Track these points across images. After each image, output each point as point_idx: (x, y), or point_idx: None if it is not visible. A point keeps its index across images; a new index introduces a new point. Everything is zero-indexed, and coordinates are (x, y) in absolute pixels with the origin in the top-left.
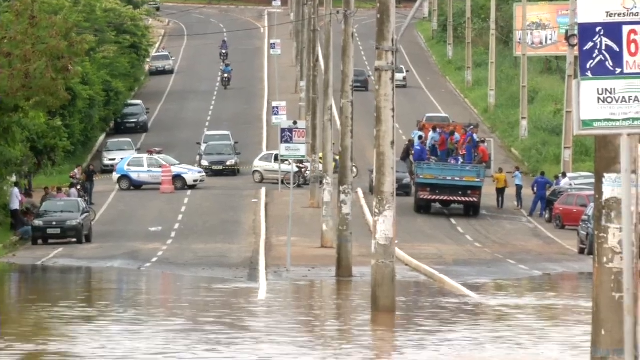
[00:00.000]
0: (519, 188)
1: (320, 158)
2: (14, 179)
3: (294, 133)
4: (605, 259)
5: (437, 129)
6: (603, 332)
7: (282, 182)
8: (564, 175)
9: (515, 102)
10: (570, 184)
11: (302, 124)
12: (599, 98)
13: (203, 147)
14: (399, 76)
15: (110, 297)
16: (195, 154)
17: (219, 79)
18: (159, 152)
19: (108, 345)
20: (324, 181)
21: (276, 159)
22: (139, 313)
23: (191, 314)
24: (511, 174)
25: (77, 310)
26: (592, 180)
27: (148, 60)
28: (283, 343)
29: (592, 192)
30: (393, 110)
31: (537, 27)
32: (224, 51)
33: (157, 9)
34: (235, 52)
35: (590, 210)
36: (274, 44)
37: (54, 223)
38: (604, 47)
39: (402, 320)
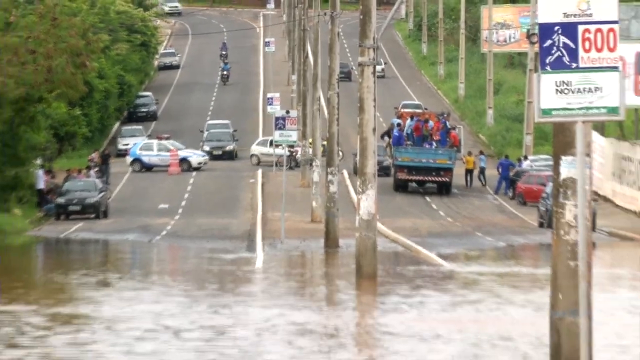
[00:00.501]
0: (482, 169)
1: (310, 143)
2: (38, 162)
3: (286, 121)
4: (562, 232)
5: (414, 117)
6: (560, 296)
7: (276, 165)
8: (526, 157)
9: (482, 93)
10: (531, 166)
11: (293, 113)
12: (556, 89)
13: (205, 134)
14: (377, 67)
15: (124, 266)
16: (199, 140)
17: (219, 75)
18: (167, 138)
19: (124, 307)
20: (313, 163)
21: (271, 144)
22: (150, 279)
23: (195, 280)
24: (477, 157)
25: (96, 277)
26: (551, 163)
27: (157, 56)
28: (276, 306)
29: (551, 173)
30: (374, 100)
31: (502, 27)
32: (223, 52)
33: (179, 14)
34: (234, 50)
35: (548, 189)
36: (269, 42)
37: (75, 201)
38: (561, 45)
39: (383, 285)
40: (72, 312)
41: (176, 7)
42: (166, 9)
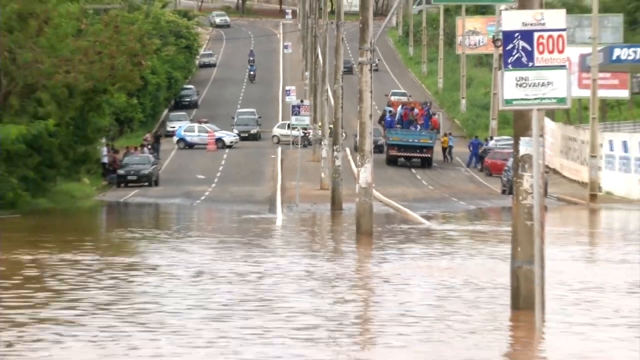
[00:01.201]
0: (450, 147)
1: (319, 126)
2: (103, 141)
3: (301, 108)
4: (521, 197)
5: (403, 106)
6: (519, 249)
7: (293, 143)
8: (491, 138)
9: (457, 87)
10: (496, 145)
11: (306, 102)
12: (516, 83)
13: (235, 119)
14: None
15: (171, 224)
16: (230, 124)
17: (247, 75)
18: (205, 122)
19: (173, 257)
20: (322, 142)
21: (288, 126)
22: (192, 234)
23: (228, 235)
24: (447, 137)
25: (150, 233)
26: (512, 142)
27: (197, 57)
28: (292, 256)
29: (511, 150)
30: (371, 92)
31: (472, 34)
32: (251, 58)
33: (228, 26)
34: (259, 52)
35: (509, 163)
36: (287, 45)
37: (132, 172)
38: (520, 48)
39: (377, 240)
40: (131, 261)
41: (225, 20)
42: (217, 21)
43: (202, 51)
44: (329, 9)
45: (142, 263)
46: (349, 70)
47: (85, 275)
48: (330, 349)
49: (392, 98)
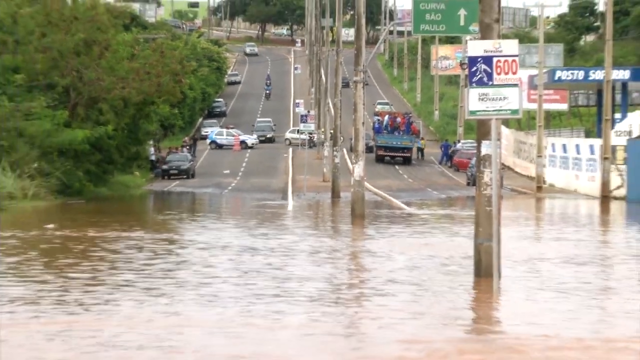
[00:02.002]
0: (422, 149)
1: (322, 131)
2: (151, 142)
3: (308, 117)
4: (482, 188)
5: (389, 116)
6: (480, 229)
7: (301, 145)
8: (459, 141)
9: (431, 100)
10: (462, 146)
11: (312, 112)
12: (479, 98)
13: (255, 126)
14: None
15: (205, 208)
16: (251, 130)
17: (264, 93)
18: (232, 128)
19: (205, 235)
20: (324, 144)
21: (298, 131)
22: (221, 216)
23: (249, 217)
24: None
25: (188, 214)
26: (475, 144)
27: (226, 76)
28: (300, 234)
29: (475, 151)
30: (363, 104)
31: (443, 59)
32: (268, 81)
33: (256, 55)
34: (275, 73)
35: (473, 161)
36: (297, 67)
37: (174, 167)
38: (482, 70)
39: (368, 222)
40: (172, 237)
41: (254, 50)
42: (248, 50)
43: (229, 72)
44: (330, 39)
45: (180, 239)
46: (346, 85)
47: (136, 247)
48: (329, 306)
49: (378, 107)
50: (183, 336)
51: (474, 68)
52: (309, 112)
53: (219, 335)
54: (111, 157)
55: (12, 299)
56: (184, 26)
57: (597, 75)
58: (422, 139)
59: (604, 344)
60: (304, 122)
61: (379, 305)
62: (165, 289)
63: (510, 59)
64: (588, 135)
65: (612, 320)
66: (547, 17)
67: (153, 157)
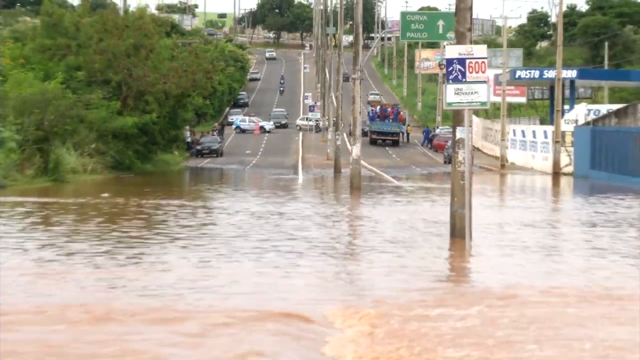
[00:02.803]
0: (408, 134)
1: (326, 119)
2: (187, 127)
3: (315, 107)
4: (457, 166)
5: (380, 106)
6: (455, 199)
7: (309, 130)
8: (437, 127)
9: (415, 94)
10: (440, 132)
11: (318, 103)
12: (454, 92)
13: (271, 115)
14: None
15: (231, 181)
16: (268, 118)
17: (279, 90)
18: (253, 116)
19: (230, 202)
20: (328, 129)
21: (306, 119)
22: (243, 188)
23: (267, 188)
24: (407, 127)
25: (217, 186)
26: (451, 130)
27: (248, 74)
28: (307, 202)
29: (451, 135)
30: (360, 97)
31: (425, 60)
32: (282, 81)
33: (274, 59)
34: (288, 72)
35: (449, 144)
36: (306, 67)
37: (206, 148)
38: (457, 69)
39: (364, 193)
40: (204, 204)
41: (273, 55)
42: (267, 55)
43: (251, 70)
44: (333, 44)
45: (211, 205)
46: (346, 79)
47: (174, 211)
48: (331, 258)
49: (370, 97)
50: (215, 279)
51: (451, 68)
52: (315, 103)
53: (242, 282)
54: (155, 139)
55: (71, 252)
56: (216, 34)
57: (550, 74)
58: (408, 125)
59: (553, 290)
60: (311, 112)
61: (371, 259)
62: (199, 245)
63: (480, 60)
64: (542, 122)
65: (559, 271)
66: (510, 27)
67: (189, 139)
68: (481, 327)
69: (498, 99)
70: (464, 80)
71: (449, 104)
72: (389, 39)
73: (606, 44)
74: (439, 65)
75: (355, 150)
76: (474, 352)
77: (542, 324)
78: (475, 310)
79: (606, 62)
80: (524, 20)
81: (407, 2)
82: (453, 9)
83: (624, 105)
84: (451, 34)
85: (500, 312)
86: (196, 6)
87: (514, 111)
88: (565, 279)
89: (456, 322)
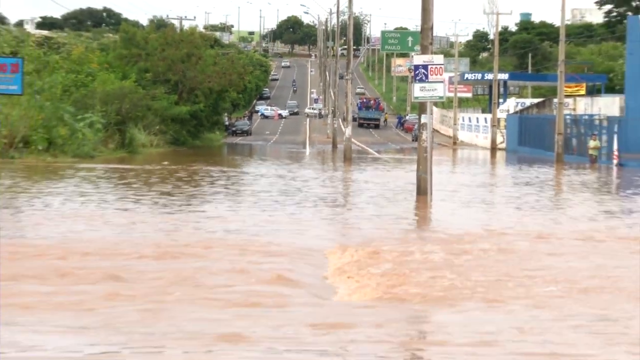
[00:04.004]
0: (386, 120)
1: (327, 108)
2: (225, 114)
3: (318, 100)
4: (421, 142)
5: (365, 100)
6: (420, 167)
7: (314, 116)
8: (407, 115)
9: (392, 91)
10: (409, 118)
11: (321, 97)
12: (420, 89)
13: (287, 106)
14: (349, 76)
15: (257, 153)
16: (284, 107)
17: (292, 89)
18: (273, 106)
19: (257, 168)
20: (328, 116)
21: (312, 108)
22: (266, 158)
23: (283, 158)
24: (385, 115)
25: (247, 158)
26: (417, 117)
27: (270, 75)
28: (313, 169)
29: (417, 120)
30: (351, 93)
31: (399, 66)
32: (294, 83)
33: (289, 67)
34: (298, 74)
35: (416, 126)
36: (312, 70)
37: (239, 129)
38: (422, 72)
39: (354, 162)
40: (240, 170)
41: (287, 64)
42: (283, 64)
43: (271, 73)
44: (332, 54)
45: (243, 170)
46: (341, 78)
47: (216, 174)
48: (328, 208)
49: (358, 90)
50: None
51: (417, 71)
52: (319, 97)
53: (264, 224)
54: (202, 123)
55: (135, 201)
56: (247, 46)
57: (489, 76)
58: (386, 113)
59: (493, 230)
60: (316, 103)
61: (359, 208)
62: (235, 200)
63: (438, 66)
64: (483, 111)
65: (496, 219)
66: (460, 42)
67: (226, 123)
68: (446, 256)
69: (451, 95)
70: (426, 80)
71: (416, 98)
72: (373, 50)
73: (530, 55)
74: (409, 69)
75: (347, 131)
76: (449, 275)
77: (491, 253)
78: (437, 246)
79: (530, 68)
80: (470, 37)
81: (385, 24)
82: (419, 29)
83: (542, 99)
84: (417, 47)
85: (456, 245)
86: (232, 26)
87: (463, 103)
88: (502, 223)
89: (423, 254)
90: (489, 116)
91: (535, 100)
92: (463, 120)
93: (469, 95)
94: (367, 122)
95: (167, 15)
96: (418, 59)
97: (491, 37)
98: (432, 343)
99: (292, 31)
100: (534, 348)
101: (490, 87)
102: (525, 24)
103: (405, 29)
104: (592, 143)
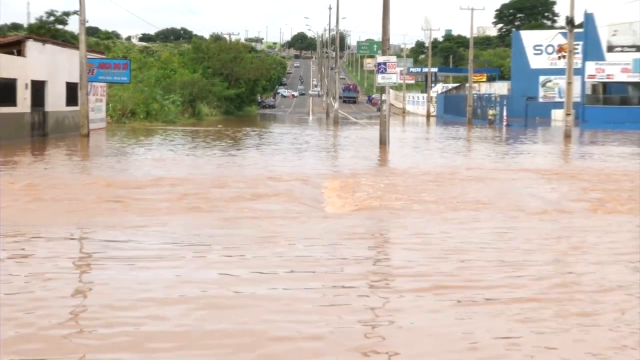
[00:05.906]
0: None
1: (323, 91)
2: (259, 95)
3: (317, 86)
4: (382, 112)
5: (348, 86)
6: (381, 128)
7: (315, 96)
8: (374, 94)
9: (364, 79)
10: (375, 96)
11: (319, 84)
12: (381, 78)
13: (297, 89)
14: (335, 70)
15: (279, 120)
16: (295, 90)
17: (300, 80)
18: (289, 90)
19: (279, 128)
20: (324, 96)
21: (314, 91)
22: (284, 122)
23: (296, 122)
24: (358, 95)
25: (272, 122)
26: (380, 95)
27: (287, 70)
28: (314, 129)
29: (380, 98)
30: (339, 81)
31: (369, 63)
32: (301, 80)
33: (299, 67)
34: (304, 70)
35: (380, 102)
36: (313, 66)
37: (268, 104)
38: (382, 67)
39: (340, 125)
40: (267, 130)
41: (298, 65)
42: (295, 65)
43: (287, 69)
44: (326, 56)
45: (269, 130)
46: (332, 69)
47: (250, 134)
48: (320, 153)
49: (341, 78)
50: (267, 162)
51: (380, 66)
52: (318, 83)
53: (276, 164)
54: (243, 100)
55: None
56: (272, 51)
57: (425, 70)
58: (359, 94)
59: (433, 170)
60: (316, 87)
61: (339, 152)
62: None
63: (393, 63)
64: (422, 92)
65: (434, 161)
66: (407, 48)
67: (259, 100)
68: (403, 186)
69: (402, 82)
70: (386, 72)
71: (379, 84)
72: (352, 53)
73: (451, 56)
74: (375, 65)
75: (336, 105)
76: (410, 198)
77: (434, 184)
78: (398, 178)
79: (451, 65)
80: (413, 45)
81: (360, 36)
82: (382, 39)
83: (458, 84)
84: (380, 51)
85: (408, 177)
86: (262, 38)
87: (409, 87)
88: (438, 165)
89: (386, 182)
90: (425, 95)
91: (454, 85)
92: (409, 98)
93: (413, 82)
94: (348, 99)
95: (221, 32)
96: (380, 59)
97: (427, 45)
98: (389, 237)
99: (301, 42)
100: (455, 243)
101: (426, 76)
102: (448, 37)
103: (373, 39)
104: (490, 111)
